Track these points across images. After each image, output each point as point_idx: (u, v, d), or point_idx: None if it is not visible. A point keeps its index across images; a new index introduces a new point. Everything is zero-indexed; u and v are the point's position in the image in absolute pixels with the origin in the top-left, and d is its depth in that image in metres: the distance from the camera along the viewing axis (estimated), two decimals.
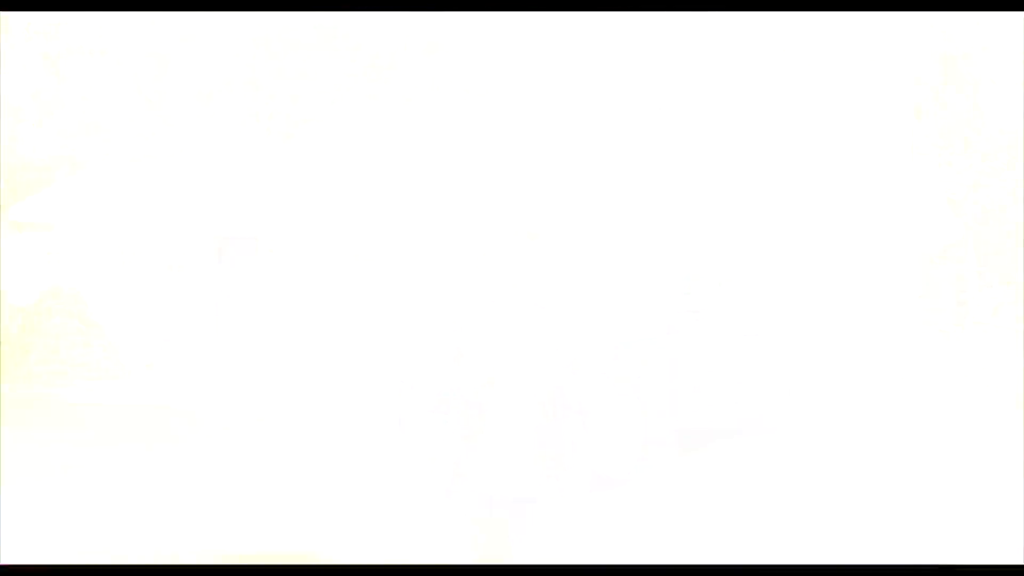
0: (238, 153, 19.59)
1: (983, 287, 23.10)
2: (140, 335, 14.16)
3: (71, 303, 13.92)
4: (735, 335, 7.72)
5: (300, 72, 31.18)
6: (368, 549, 5.01)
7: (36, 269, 18.22)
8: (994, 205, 21.56)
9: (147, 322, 14.71)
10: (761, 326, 8.20)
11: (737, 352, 7.83)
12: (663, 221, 11.55)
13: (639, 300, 6.98)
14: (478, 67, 14.35)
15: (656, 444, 6.53)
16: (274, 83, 32.09)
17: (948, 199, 13.04)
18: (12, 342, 13.73)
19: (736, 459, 7.51)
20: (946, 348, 17.61)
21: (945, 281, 22.42)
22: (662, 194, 12.66)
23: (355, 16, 32.74)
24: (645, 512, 5.61)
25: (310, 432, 9.28)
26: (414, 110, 20.47)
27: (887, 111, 12.22)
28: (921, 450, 7.87)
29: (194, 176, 17.31)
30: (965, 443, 7.29)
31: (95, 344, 13.88)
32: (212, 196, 15.54)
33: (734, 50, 12.57)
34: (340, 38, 33.18)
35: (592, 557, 4.67)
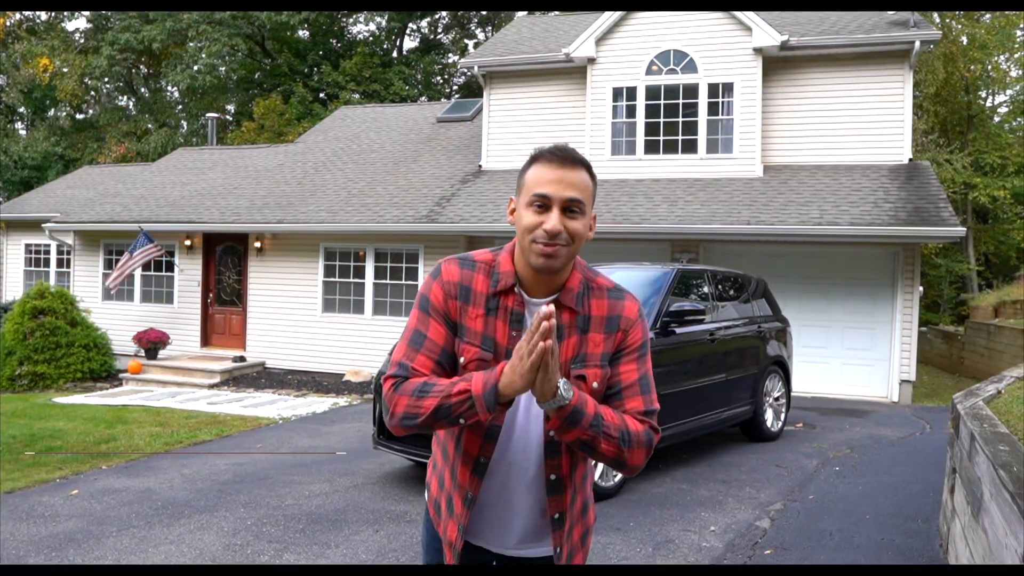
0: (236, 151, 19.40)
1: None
2: (128, 334, 14.04)
3: (60, 302, 13.74)
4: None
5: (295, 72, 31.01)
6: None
7: (27, 267, 18.04)
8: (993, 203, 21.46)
9: (135, 321, 14.57)
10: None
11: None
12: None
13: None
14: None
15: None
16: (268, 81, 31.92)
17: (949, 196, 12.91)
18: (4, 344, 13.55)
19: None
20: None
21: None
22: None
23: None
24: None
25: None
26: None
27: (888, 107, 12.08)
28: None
29: (184, 175, 17.14)
30: None
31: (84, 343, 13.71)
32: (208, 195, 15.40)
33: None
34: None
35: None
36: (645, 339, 1.92)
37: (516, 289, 1.87)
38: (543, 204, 1.79)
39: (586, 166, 1.84)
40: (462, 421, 1.75)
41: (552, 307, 1.63)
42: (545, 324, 1.59)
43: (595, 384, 1.83)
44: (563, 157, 1.81)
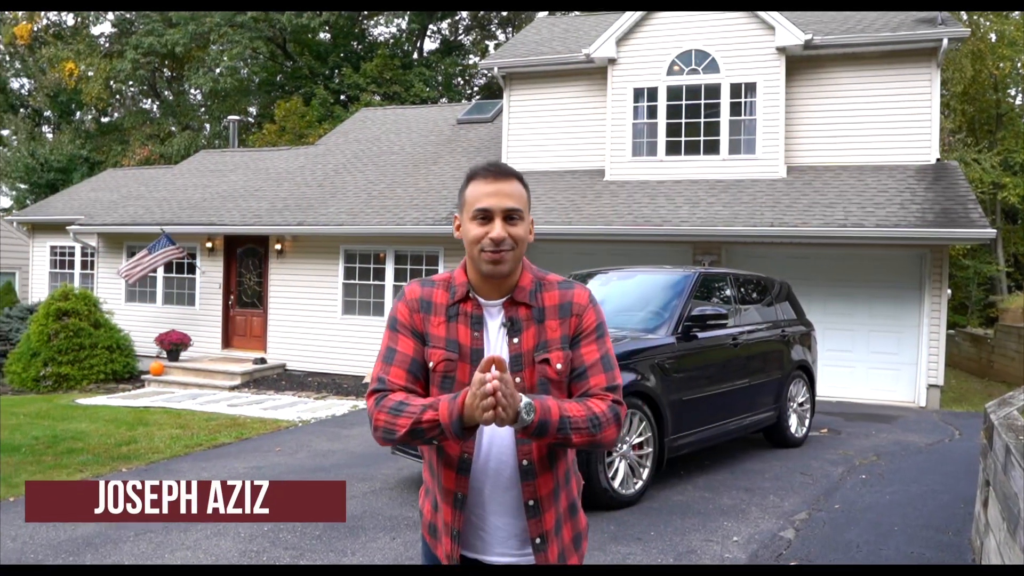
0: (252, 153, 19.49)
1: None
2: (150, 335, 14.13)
3: (84, 304, 13.86)
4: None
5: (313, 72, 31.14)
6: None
7: (52, 269, 18.24)
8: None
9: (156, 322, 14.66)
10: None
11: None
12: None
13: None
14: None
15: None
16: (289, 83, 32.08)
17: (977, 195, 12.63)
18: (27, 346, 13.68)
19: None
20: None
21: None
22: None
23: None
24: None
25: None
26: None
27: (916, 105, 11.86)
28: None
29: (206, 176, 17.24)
30: None
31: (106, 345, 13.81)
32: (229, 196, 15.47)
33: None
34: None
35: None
36: (600, 320, 2.05)
37: (471, 295, 2.04)
38: (485, 217, 1.97)
39: (518, 177, 2.03)
40: (435, 442, 1.93)
41: (498, 354, 1.86)
42: (490, 375, 1.73)
43: (559, 366, 1.98)
44: (497, 172, 2.00)
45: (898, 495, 6.02)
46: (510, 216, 1.97)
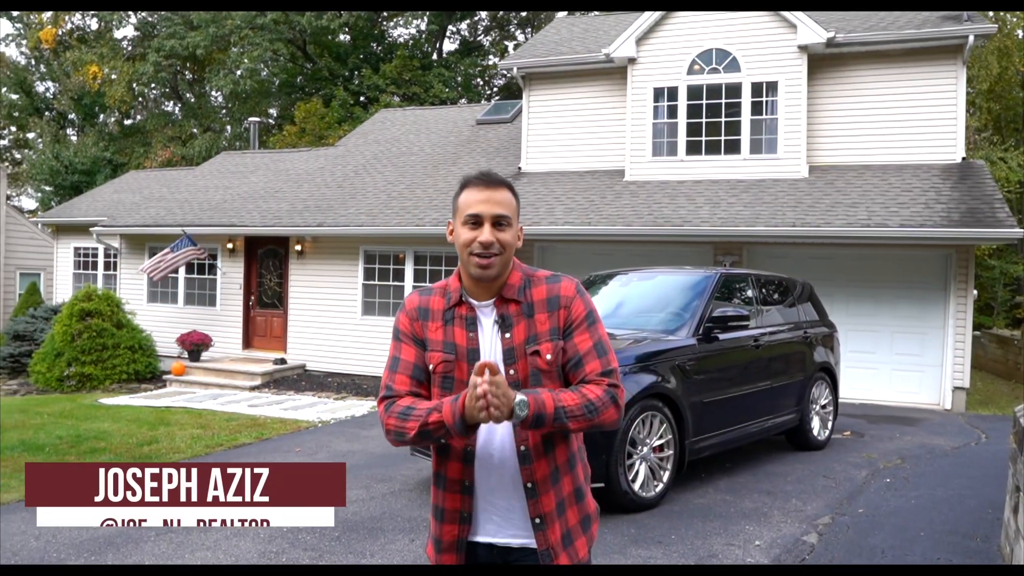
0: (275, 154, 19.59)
1: None
2: (172, 336, 14.25)
3: (107, 304, 14.00)
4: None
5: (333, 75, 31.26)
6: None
7: (76, 270, 18.45)
8: None
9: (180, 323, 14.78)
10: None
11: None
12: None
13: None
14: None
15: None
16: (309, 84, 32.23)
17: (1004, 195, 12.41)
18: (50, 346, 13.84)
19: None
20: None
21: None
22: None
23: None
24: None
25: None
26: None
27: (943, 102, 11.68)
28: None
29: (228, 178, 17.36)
30: None
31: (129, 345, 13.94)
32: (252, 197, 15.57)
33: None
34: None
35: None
36: (588, 309, 2.16)
37: (464, 298, 2.17)
38: (476, 222, 2.10)
39: (508, 186, 2.16)
40: (442, 441, 2.10)
41: (491, 358, 2.01)
42: (481, 380, 1.88)
43: (548, 356, 2.10)
44: (487, 180, 2.13)
45: (923, 499, 5.92)
46: (499, 222, 2.10)
